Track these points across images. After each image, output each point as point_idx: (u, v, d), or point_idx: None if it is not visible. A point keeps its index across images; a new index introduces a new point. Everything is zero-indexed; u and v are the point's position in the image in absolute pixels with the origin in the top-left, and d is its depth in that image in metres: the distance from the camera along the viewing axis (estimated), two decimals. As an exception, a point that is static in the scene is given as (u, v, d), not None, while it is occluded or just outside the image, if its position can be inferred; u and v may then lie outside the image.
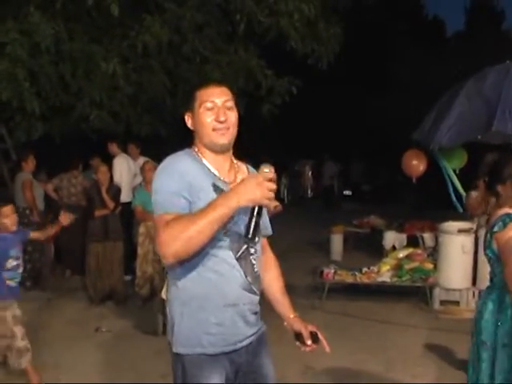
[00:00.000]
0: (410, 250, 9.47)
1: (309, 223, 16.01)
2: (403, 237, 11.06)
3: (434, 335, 6.97)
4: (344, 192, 24.37)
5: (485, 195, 4.67)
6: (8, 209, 5.15)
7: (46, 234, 5.62)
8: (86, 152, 11.22)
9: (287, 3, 9.09)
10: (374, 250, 11.42)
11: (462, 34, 26.79)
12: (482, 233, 6.66)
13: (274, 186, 2.38)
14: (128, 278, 8.82)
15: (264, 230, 2.81)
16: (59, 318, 7.69)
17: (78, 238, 9.19)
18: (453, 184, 8.33)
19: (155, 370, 5.75)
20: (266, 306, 2.91)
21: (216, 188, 2.56)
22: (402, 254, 9.22)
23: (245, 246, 2.61)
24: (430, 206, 15.88)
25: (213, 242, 2.49)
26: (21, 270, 5.18)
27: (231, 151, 2.75)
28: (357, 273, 8.66)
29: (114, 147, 9.89)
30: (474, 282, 8.05)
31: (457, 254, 8.07)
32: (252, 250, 2.65)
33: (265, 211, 2.74)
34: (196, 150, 2.69)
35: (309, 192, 24.89)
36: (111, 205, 8.46)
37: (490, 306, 3.69)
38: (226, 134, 2.63)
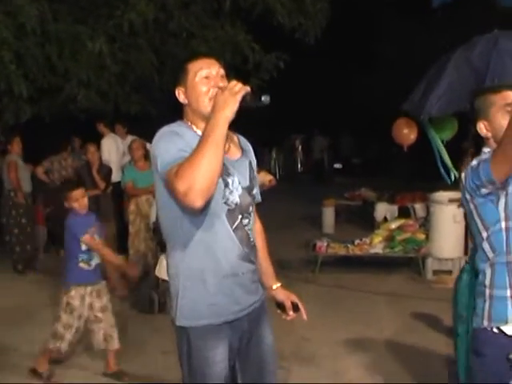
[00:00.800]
0: (402, 221, 9.54)
1: (300, 197, 16.05)
2: (394, 208, 11.12)
3: (428, 305, 7.02)
4: (334, 166, 24.39)
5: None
6: (78, 192, 5.06)
7: (112, 258, 5.28)
8: (75, 133, 11.20)
9: (273, -23, 9.06)
10: (366, 222, 11.49)
11: (448, 4, 26.63)
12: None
13: (240, 84, 2.40)
14: (121, 257, 8.81)
15: (257, 195, 2.83)
16: (54, 300, 7.69)
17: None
18: (441, 156, 8.34)
19: (156, 347, 5.81)
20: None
21: None
22: (393, 226, 9.29)
23: (240, 216, 2.64)
24: (420, 177, 15.92)
25: (209, 214, 2.53)
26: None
27: None
28: (349, 245, 8.71)
29: (101, 127, 9.86)
30: (466, 251, 8.10)
31: (448, 223, 8.13)
32: (246, 221, 2.68)
33: (257, 179, 2.80)
34: (189, 123, 2.69)
35: (299, 167, 24.89)
36: (102, 185, 8.46)
37: (465, 276, 3.67)
38: None
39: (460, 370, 3.68)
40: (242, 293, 2.68)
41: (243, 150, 2.81)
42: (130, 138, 9.49)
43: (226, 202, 2.59)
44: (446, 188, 8.52)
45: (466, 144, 8.33)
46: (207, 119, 2.41)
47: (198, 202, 2.32)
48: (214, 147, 2.32)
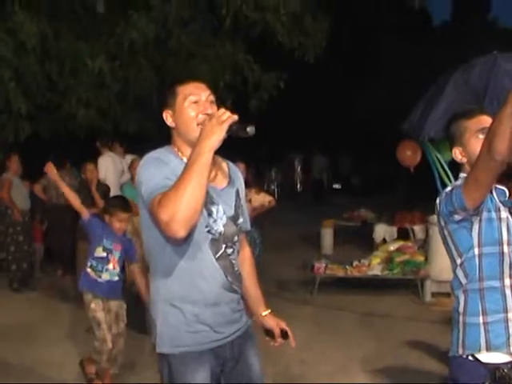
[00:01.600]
0: (401, 242, 9.49)
1: (299, 217, 16.01)
2: (393, 229, 11.07)
3: (426, 327, 6.98)
4: (333, 185, 24.38)
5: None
6: (124, 216, 5.14)
7: (69, 195, 5.17)
8: (74, 151, 11.18)
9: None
10: (365, 243, 11.43)
11: (448, 24, 26.83)
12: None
13: (227, 112, 2.36)
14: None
15: (244, 224, 2.77)
16: (50, 318, 7.64)
17: (68, 237, 9.13)
18: (441, 178, 8.32)
19: (153, 367, 5.73)
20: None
21: None
22: (392, 247, 9.24)
23: (224, 246, 2.61)
24: (420, 197, 15.90)
25: (192, 243, 2.50)
26: (110, 266, 5.08)
27: None
28: (348, 266, 8.64)
29: (99, 145, 9.83)
30: (465, 273, 8.05)
31: (447, 245, 8.07)
32: (230, 251, 2.64)
33: (245, 208, 2.76)
34: (176, 149, 2.65)
35: (298, 186, 24.88)
36: (101, 203, 8.41)
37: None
38: None
39: None
40: (223, 322, 2.64)
41: (230, 179, 2.76)
42: (129, 156, 9.46)
43: (209, 231, 2.56)
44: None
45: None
46: (193, 146, 2.38)
47: (180, 231, 2.30)
48: (198, 176, 2.29)
